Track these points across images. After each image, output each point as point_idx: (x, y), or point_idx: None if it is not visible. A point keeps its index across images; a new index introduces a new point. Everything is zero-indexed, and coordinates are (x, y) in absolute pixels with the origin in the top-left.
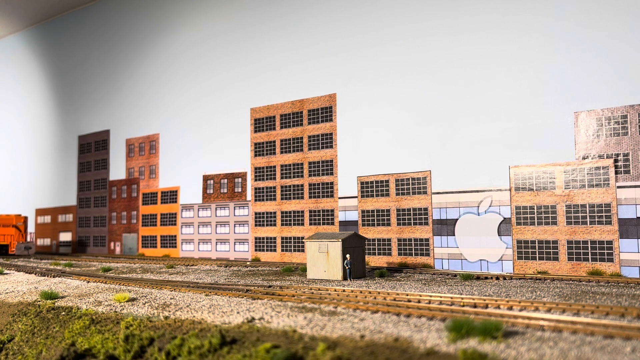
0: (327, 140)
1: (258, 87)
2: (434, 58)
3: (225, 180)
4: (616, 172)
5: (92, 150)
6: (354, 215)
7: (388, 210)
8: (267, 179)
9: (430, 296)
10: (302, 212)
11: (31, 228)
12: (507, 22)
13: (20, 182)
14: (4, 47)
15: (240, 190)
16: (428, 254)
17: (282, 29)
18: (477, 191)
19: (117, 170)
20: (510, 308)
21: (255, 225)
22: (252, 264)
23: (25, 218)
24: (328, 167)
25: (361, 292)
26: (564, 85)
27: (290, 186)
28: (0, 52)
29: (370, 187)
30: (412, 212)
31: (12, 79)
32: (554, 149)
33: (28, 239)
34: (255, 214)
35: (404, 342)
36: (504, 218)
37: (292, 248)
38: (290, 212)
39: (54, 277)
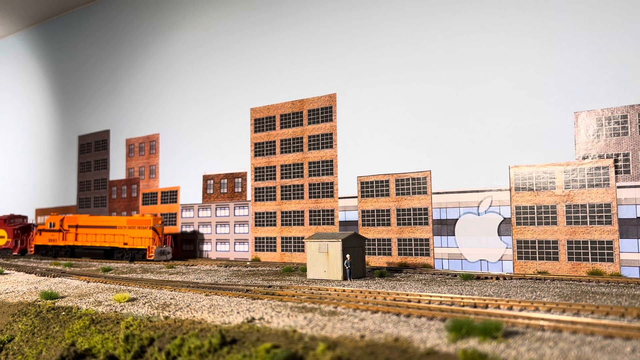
0: (327, 140)
1: (258, 87)
2: (434, 58)
3: (225, 180)
4: (616, 172)
5: (92, 150)
6: (354, 215)
7: (388, 210)
8: (267, 179)
9: (430, 296)
10: (302, 212)
11: None
12: (506, 23)
13: (20, 182)
14: (4, 47)
15: (240, 190)
16: (428, 254)
17: (282, 30)
18: (477, 191)
19: (117, 170)
20: (510, 308)
21: (255, 225)
22: (252, 264)
23: (162, 219)
24: (328, 167)
25: (361, 292)
26: (564, 85)
27: (290, 186)
28: (0, 52)
29: (370, 187)
30: (412, 212)
31: (12, 79)
32: (554, 149)
33: (165, 242)
34: (255, 214)
35: (404, 342)
36: (504, 218)
37: (292, 248)
38: (290, 212)
39: (54, 277)
